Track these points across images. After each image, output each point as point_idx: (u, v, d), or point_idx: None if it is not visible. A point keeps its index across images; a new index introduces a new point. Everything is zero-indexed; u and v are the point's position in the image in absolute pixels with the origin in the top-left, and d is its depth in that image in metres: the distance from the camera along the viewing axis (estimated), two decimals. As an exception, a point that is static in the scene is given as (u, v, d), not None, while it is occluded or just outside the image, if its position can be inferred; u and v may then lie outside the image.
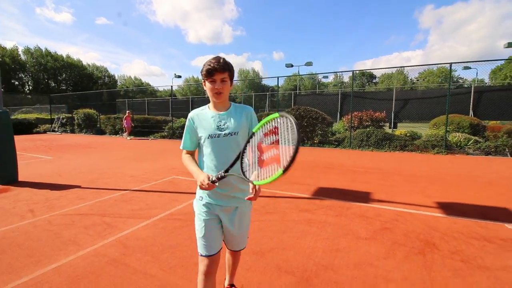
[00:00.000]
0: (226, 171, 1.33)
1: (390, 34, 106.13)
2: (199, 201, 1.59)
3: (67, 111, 22.02)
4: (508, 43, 22.46)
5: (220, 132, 1.50)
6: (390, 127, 15.90)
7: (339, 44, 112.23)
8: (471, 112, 14.79)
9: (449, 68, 10.05)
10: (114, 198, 4.20)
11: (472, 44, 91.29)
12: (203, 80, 1.51)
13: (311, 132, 11.70)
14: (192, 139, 1.58)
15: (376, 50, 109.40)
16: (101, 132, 17.65)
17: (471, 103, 14.88)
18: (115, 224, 3.20)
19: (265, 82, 60.49)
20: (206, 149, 1.53)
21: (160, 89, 57.85)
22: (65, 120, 19.39)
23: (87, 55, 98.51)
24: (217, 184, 1.34)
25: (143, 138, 15.14)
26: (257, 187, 1.32)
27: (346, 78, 63.72)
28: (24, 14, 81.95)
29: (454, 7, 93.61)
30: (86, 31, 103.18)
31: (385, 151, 9.73)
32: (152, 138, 15.17)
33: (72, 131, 18.98)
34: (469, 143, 9.80)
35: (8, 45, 57.74)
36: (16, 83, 44.73)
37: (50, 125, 19.73)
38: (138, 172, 6.09)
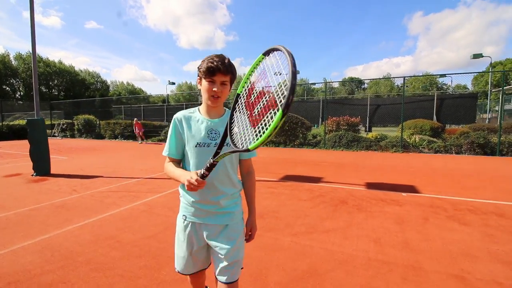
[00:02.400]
0: (216, 155, 1.09)
1: (380, 40, 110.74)
2: (181, 220, 1.42)
3: (63, 117, 23.16)
4: (474, 54, 24.85)
5: (210, 142, 1.32)
6: (365, 131, 17.78)
7: (332, 48, 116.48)
8: (434, 117, 16.78)
9: (401, 79, 11.90)
10: (133, 183, 5.67)
11: (460, 50, 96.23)
12: (199, 77, 1.31)
13: (292, 135, 13.36)
14: (178, 145, 1.39)
15: (367, 56, 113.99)
16: (100, 136, 18.91)
17: (434, 109, 16.86)
18: (139, 196, 4.69)
19: (256, 88, 62.23)
20: (192, 159, 1.34)
21: (153, 94, 59.10)
22: (65, 125, 20.56)
23: (78, 59, 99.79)
24: (206, 178, 1.12)
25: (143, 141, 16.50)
26: (252, 230, 1.50)
27: (335, 84, 66.81)
28: (11, 18, 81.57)
29: (442, 14, 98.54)
30: (76, 35, 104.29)
31: (353, 151, 11.44)
32: (150, 141, 16.55)
33: (72, 136, 20.17)
34: (424, 143, 11.63)
35: (-3, 50, 57.99)
36: (8, 89, 45.26)
37: (51, 131, 20.85)
38: (146, 167, 7.55)
